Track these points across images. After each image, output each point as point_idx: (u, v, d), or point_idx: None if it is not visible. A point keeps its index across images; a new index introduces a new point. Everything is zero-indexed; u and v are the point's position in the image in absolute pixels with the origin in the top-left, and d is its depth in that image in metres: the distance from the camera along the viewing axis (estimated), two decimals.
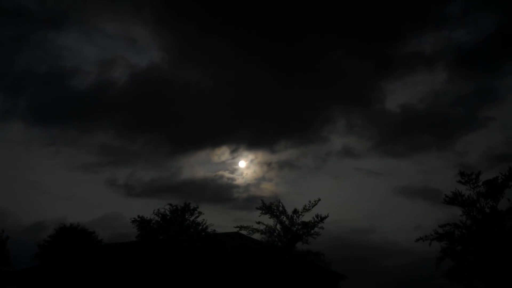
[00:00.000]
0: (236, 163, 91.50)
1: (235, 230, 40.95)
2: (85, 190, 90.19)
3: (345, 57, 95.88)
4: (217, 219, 61.04)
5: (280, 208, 40.29)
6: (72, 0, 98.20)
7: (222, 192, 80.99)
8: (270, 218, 40.19)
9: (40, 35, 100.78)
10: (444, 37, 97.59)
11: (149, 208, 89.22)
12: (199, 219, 41.61)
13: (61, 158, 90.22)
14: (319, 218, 40.12)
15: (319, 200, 40.30)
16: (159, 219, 41.14)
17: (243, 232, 40.70)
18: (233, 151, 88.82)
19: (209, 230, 40.97)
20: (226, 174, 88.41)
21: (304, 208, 40.53)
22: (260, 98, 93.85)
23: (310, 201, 40.48)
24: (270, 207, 40.15)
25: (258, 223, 40.15)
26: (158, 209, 41.52)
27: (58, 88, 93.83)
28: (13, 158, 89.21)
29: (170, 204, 41.88)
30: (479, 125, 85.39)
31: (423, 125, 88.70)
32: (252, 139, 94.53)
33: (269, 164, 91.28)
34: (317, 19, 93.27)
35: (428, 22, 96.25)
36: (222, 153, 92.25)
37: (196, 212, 41.26)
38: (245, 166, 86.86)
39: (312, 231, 40.20)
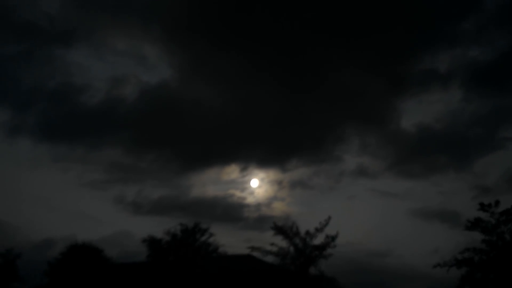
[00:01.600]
0: (247, 182, 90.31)
1: (247, 251, 40.18)
2: (93, 207, 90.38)
3: (358, 74, 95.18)
4: (227, 239, 59.97)
5: (294, 230, 39.43)
6: (81, 16, 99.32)
7: (232, 211, 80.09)
8: (283, 240, 39.31)
9: (50, 51, 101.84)
10: (459, 55, 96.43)
11: (157, 226, 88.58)
12: (210, 240, 41.04)
13: (70, 175, 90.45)
14: (330, 238, 39.17)
15: (330, 218, 39.35)
16: (169, 239, 40.68)
17: (255, 253, 39.86)
18: (243, 169, 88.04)
19: (220, 251, 40.30)
20: (237, 192, 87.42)
21: (316, 229, 39.63)
22: (271, 116, 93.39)
23: (321, 222, 39.62)
24: (284, 228, 39.31)
25: (272, 244, 39.23)
26: (169, 229, 41.13)
27: (67, 105, 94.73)
28: (22, 175, 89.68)
29: (181, 224, 41.50)
30: (498, 145, 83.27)
31: (439, 145, 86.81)
32: (262, 157, 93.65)
33: (280, 183, 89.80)
34: (329, 36, 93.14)
35: (442, 40, 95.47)
36: (232, 171, 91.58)
37: (207, 233, 40.73)
38: (257, 185, 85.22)
39: (324, 252, 39.23)
